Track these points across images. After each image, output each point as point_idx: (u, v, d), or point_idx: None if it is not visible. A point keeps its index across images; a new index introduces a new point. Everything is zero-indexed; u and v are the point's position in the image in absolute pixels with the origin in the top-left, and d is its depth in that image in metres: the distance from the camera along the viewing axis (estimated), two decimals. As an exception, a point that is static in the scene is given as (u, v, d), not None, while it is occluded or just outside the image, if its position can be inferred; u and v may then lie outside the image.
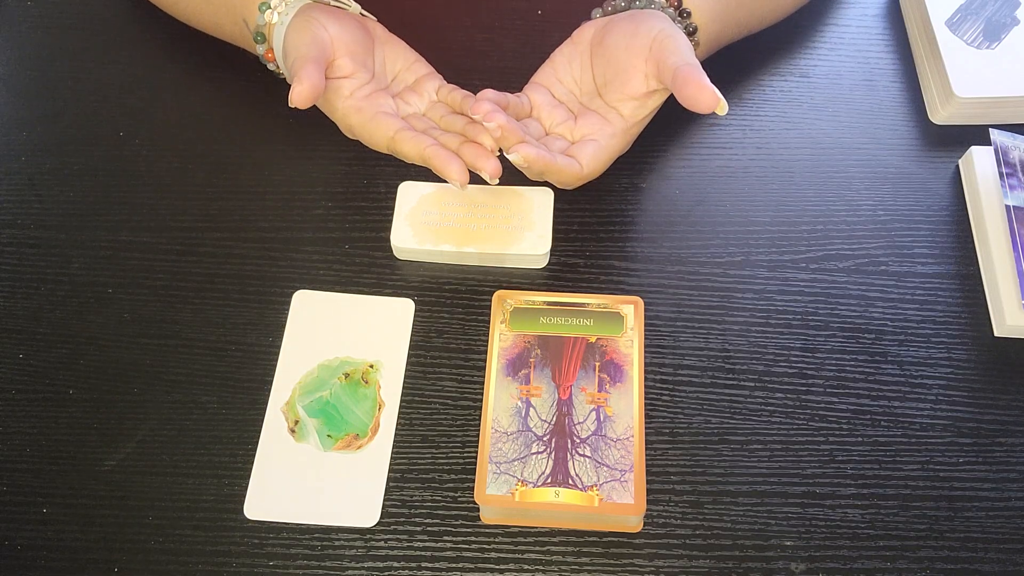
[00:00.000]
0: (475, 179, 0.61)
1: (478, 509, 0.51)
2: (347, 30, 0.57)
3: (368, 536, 0.50)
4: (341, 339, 0.56)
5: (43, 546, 0.50)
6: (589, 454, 0.50)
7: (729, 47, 0.65)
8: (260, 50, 0.60)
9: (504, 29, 0.69)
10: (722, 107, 0.51)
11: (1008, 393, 0.54)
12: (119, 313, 0.57)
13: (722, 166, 0.63)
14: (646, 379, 0.54)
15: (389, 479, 0.52)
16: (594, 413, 0.51)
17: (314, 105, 0.65)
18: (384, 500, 0.51)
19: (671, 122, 0.64)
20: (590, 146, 0.55)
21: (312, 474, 0.52)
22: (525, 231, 0.58)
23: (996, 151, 0.59)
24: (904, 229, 0.60)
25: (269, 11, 0.58)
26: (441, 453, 0.53)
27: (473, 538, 0.50)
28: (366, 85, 0.57)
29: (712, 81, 0.51)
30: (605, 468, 0.50)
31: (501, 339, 0.54)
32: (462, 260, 0.59)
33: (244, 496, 0.51)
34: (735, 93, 0.65)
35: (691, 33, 0.58)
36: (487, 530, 0.51)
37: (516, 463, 0.50)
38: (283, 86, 0.66)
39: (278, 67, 0.61)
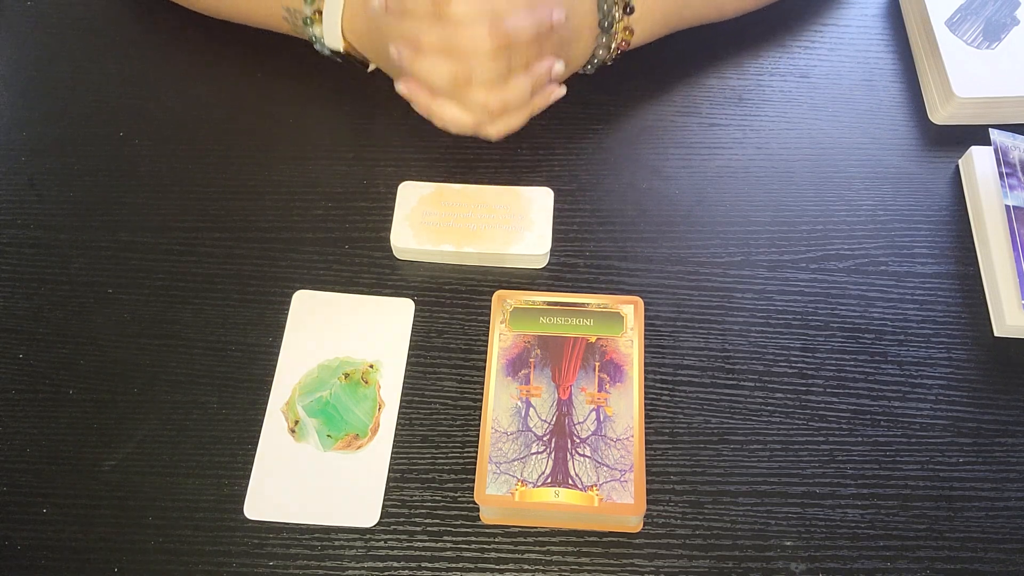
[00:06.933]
0: (475, 179, 0.61)
1: (478, 509, 0.51)
2: None
3: (368, 536, 0.50)
4: (341, 339, 0.56)
5: (43, 546, 0.50)
6: (589, 454, 0.50)
7: (728, 48, 0.64)
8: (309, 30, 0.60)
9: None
10: None
11: (1008, 393, 0.54)
12: (119, 313, 0.57)
13: (722, 166, 0.63)
14: (646, 379, 0.54)
15: (389, 479, 0.52)
16: (594, 413, 0.51)
17: (314, 108, 0.66)
18: (384, 500, 0.51)
19: (670, 122, 0.64)
20: None
21: (312, 474, 0.52)
22: (525, 231, 0.58)
23: (996, 151, 0.59)
24: (904, 229, 0.60)
25: None
26: (441, 453, 0.53)
27: (473, 538, 0.50)
28: None
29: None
30: (605, 468, 0.50)
31: (501, 339, 0.54)
32: (462, 260, 0.59)
33: (244, 496, 0.51)
34: (735, 93, 0.66)
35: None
36: (487, 530, 0.51)
37: (516, 463, 0.50)
38: (281, 86, 0.66)
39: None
